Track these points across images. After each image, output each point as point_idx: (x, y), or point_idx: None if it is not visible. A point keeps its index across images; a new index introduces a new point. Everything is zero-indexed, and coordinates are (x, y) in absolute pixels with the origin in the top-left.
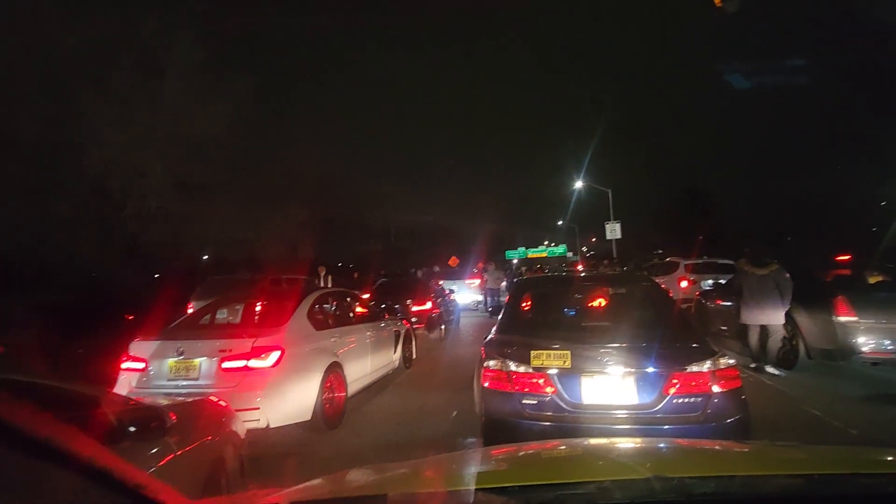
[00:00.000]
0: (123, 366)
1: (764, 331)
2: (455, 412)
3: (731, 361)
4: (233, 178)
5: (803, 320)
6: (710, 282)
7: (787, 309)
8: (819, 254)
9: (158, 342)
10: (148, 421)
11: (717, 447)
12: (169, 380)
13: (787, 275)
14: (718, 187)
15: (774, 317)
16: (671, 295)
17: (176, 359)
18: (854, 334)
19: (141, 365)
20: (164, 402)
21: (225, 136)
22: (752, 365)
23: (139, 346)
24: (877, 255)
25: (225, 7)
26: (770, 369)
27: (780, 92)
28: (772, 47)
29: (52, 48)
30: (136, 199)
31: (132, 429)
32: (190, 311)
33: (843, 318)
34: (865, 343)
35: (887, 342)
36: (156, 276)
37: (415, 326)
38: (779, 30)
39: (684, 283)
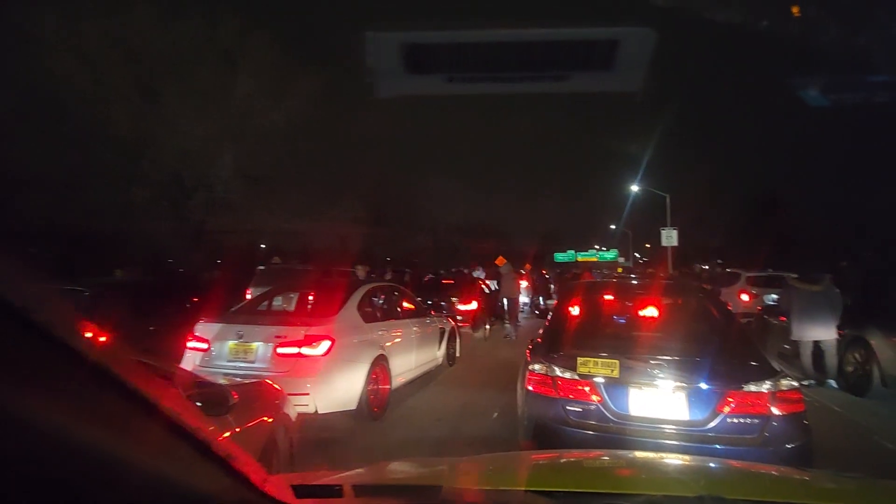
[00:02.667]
0: (189, 345)
1: (817, 347)
2: (496, 413)
3: (794, 384)
4: (293, 172)
5: (878, 343)
6: (775, 296)
7: (837, 323)
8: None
9: (221, 325)
10: (214, 397)
11: (773, 472)
12: (228, 361)
13: (838, 290)
14: (793, 197)
15: (828, 332)
16: (730, 308)
17: (236, 341)
18: None
19: (204, 345)
20: (223, 381)
21: (289, 130)
22: (806, 383)
23: (203, 328)
24: None
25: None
26: (830, 383)
27: (860, 107)
28: (851, 62)
29: (141, 45)
30: (205, 188)
31: (199, 404)
32: (248, 297)
33: None
34: None
35: None
36: (218, 261)
37: (459, 324)
38: (858, 44)
39: (745, 297)
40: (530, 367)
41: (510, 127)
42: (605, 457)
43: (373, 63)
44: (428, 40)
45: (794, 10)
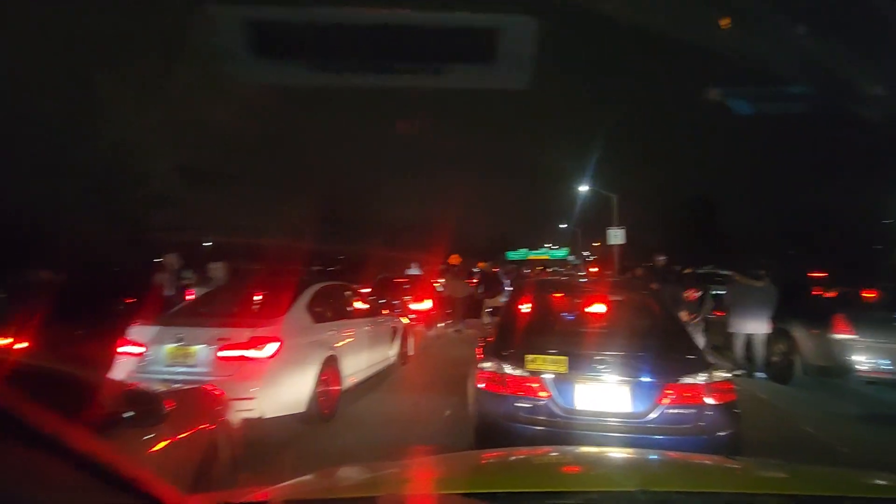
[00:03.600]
0: (121, 350)
1: (751, 340)
2: (448, 411)
3: (727, 375)
4: (239, 169)
5: (800, 335)
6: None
7: (771, 317)
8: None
9: (158, 327)
10: (145, 406)
11: (705, 462)
12: (166, 366)
13: (775, 287)
14: (727, 197)
15: (762, 326)
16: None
17: (174, 345)
18: (851, 352)
19: (139, 349)
20: (160, 387)
21: (235, 126)
22: (738, 373)
23: (138, 331)
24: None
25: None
26: (758, 374)
27: (780, 117)
28: (774, 74)
29: (73, 29)
30: (142, 183)
31: (129, 414)
32: (190, 297)
33: (840, 336)
34: (862, 361)
35: (884, 361)
36: (157, 260)
37: (413, 323)
38: (781, 57)
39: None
40: (481, 366)
41: (461, 127)
42: (547, 454)
43: (213, 44)
44: (279, 18)
45: (724, 22)
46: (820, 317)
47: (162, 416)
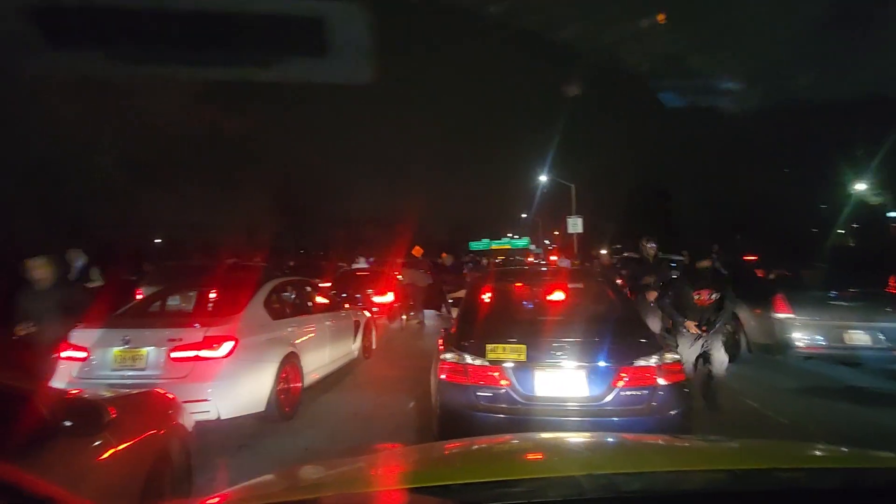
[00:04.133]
0: (63, 355)
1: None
2: (412, 403)
3: (677, 356)
4: (189, 161)
5: (745, 315)
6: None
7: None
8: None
9: (102, 330)
10: (84, 415)
11: (653, 441)
12: (113, 370)
13: (723, 270)
14: (678, 186)
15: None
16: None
17: (121, 348)
18: (790, 330)
19: (82, 354)
20: (107, 393)
21: (181, 116)
22: None
23: (81, 335)
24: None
25: None
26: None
27: (710, 110)
28: (706, 68)
29: None
30: (81, 177)
31: (67, 423)
32: (139, 297)
33: (780, 315)
34: (800, 338)
35: (819, 338)
36: (102, 259)
37: (375, 316)
38: (713, 51)
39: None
40: (442, 357)
41: (425, 118)
42: (499, 443)
43: None
44: (72, 4)
45: (660, 17)
46: (762, 297)
47: (104, 424)
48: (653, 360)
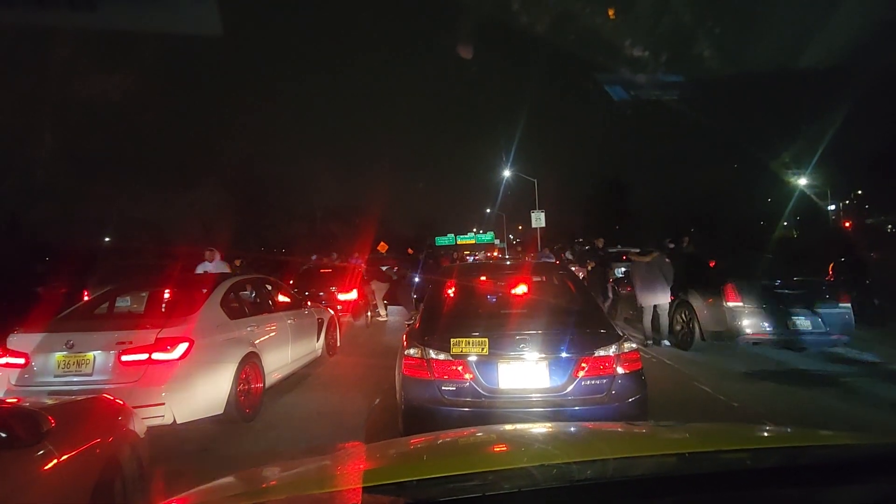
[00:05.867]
0: (0, 361)
1: (655, 311)
2: (378, 399)
3: (634, 345)
4: (138, 154)
5: (698, 305)
6: (623, 270)
7: (669, 289)
8: (716, 243)
9: (43, 334)
10: (20, 426)
11: (608, 429)
12: (56, 376)
13: (668, 260)
14: (638, 180)
15: (662, 297)
16: (585, 283)
17: (65, 353)
18: (739, 318)
19: (21, 360)
20: (48, 401)
21: (129, 106)
22: (648, 342)
23: (19, 339)
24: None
25: None
26: (665, 343)
27: (654, 103)
28: (651, 62)
29: None
30: (17, 171)
31: (1, 435)
32: (86, 298)
33: (730, 304)
34: (748, 325)
35: (766, 325)
36: (45, 258)
37: (340, 314)
38: (657, 44)
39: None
40: (406, 352)
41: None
42: (455, 438)
43: None
44: None
45: (610, 12)
46: (713, 287)
47: (41, 434)
48: (612, 350)
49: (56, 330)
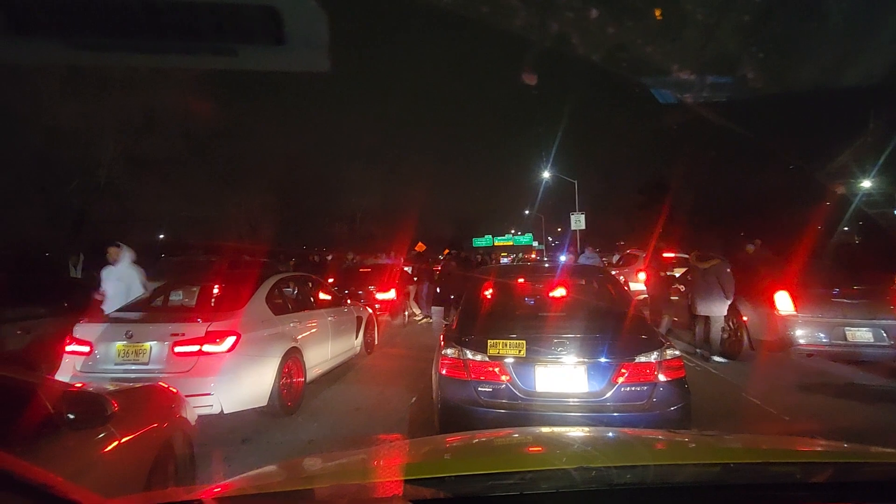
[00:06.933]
0: (67, 349)
1: (707, 322)
2: (414, 398)
3: (677, 353)
4: (192, 156)
5: (748, 313)
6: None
7: (729, 302)
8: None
9: (106, 324)
10: (88, 408)
11: (648, 436)
12: (116, 364)
13: (728, 269)
14: (683, 184)
15: (716, 308)
16: (628, 287)
17: (124, 342)
18: (793, 327)
19: (86, 348)
20: (110, 387)
21: (184, 110)
22: (698, 351)
23: (85, 329)
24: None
25: None
26: (716, 358)
27: (703, 105)
28: (701, 63)
29: None
30: (83, 172)
31: (71, 416)
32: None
33: (783, 312)
34: (803, 336)
35: (822, 335)
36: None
37: (378, 313)
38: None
39: (642, 276)
40: (443, 352)
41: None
42: (508, 436)
43: None
44: None
45: (657, 13)
46: (765, 294)
47: (107, 416)
48: (653, 357)
49: (117, 321)
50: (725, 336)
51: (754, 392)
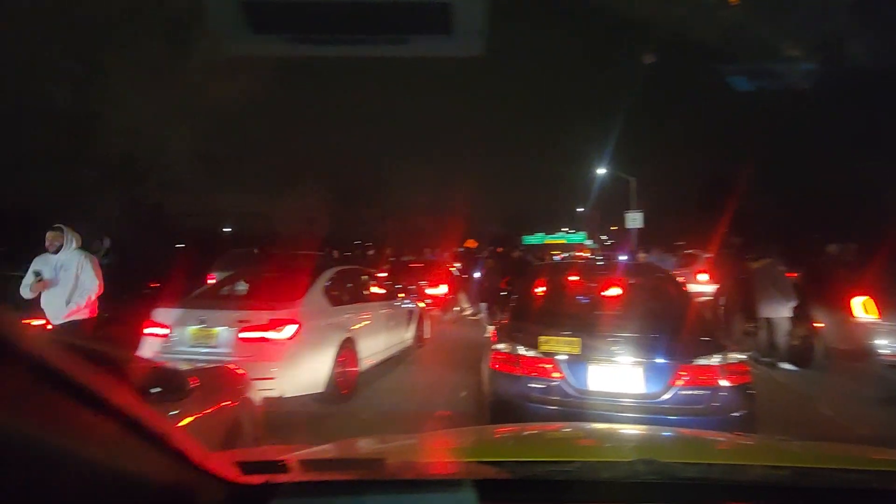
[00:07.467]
0: (147, 331)
1: (770, 325)
2: (464, 392)
3: (741, 357)
4: (256, 154)
5: (822, 318)
6: None
7: (790, 303)
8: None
9: (181, 310)
10: (170, 383)
11: (711, 437)
12: (190, 346)
13: (782, 268)
14: (750, 181)
15: (776, 310)
16: (686, 288)
17: (197, 326)
18: (874, 336)
19: (164, 331)
20: (185, 367)
21: (251, 110)
22: (764, 359)
23: (162, 313)
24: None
25: None
26: (783, 365)
27: (781, 93)
28: (777, 50)
29: (85, 17)
30: (159, 169)
31: (155, 389)
32: (211, 281)
33: (864, 319)
34: (886, 345)
35: None
36: (178, 246)
37: (429, 307)
38: (784, 33)
39: (704, 277)
40: (494, 347)
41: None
42: (562, 429)
43: (214, 22)
44: None
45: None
46: (842, 299)
47: (187, 391)
48: (714, 360)
49: (191, 307)
50: (796, 343)
51: (827, 403)
